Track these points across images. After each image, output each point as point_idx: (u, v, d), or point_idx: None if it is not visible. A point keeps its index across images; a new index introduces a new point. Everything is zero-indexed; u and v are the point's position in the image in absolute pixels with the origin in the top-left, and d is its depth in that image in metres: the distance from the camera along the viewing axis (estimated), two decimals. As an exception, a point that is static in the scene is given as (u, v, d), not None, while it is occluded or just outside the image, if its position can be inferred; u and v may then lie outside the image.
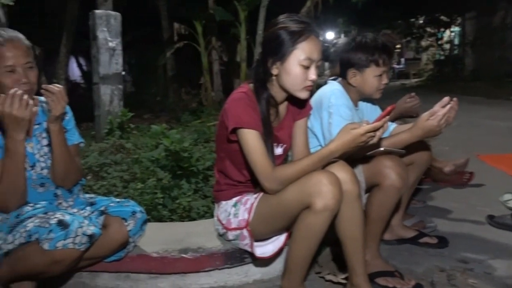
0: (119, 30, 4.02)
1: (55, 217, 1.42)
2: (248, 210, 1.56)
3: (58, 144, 1.55)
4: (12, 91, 1.41)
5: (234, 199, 1.64)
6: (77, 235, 1.39)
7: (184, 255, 1.63)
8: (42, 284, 1.58)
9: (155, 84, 6.95)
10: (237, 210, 1.60)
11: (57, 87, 1.52)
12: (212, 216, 2.09)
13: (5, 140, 1.46)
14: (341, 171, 1.47)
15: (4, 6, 3.56)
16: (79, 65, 8.03)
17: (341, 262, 1.68)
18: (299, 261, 1.50)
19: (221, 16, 5.83)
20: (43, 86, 1.51)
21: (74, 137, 1.72)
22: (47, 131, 1.58)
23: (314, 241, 1.46)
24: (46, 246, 1.36)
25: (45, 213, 1.49)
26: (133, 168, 2.76)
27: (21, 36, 1.56)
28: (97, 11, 3.95)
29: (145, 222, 1.68)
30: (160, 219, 2.16)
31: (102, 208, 1.63)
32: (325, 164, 1.48)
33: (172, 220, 2.18)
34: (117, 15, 4.03)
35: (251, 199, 1.58)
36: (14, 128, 1.43)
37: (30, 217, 1.46)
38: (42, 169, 1.59)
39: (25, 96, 1.42)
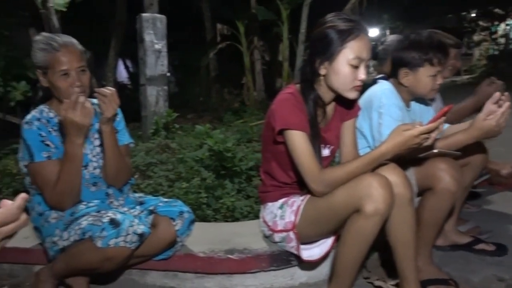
0: (164, 32, 4.10)
1: (107, 216, 1.47)
2: (295, 212, 1.54)
3: (110, 144, 1.60)
4: (74, 97, 1.46)
5: (280, 201, 1.62)
6: (128, 234, 1.43)
7: (230, 256, 1.63)
8: (94, 280, 1.64)
9: (198, 84, 7.05)
10: (283, 212, 1.58)
11: (109, 90, 1.56)
12: (255, 216, 2.10)
13: (65, 143, 1.52)
14: (392, 173, 1.42)
15: (58, 12, 3.72)
16: (126, 67, 8.31)
17: (390, 268, 1.62)
18: (348, 266, 1.46)
19: (263, 16, 5.82)
20: (96, 89, 1.56)
21: (125, 138, 1.76)
22: (99, 132, 1.64)
23: (364, 246, 1.41)
24: (99, 243, 1.41)
25: (98, 211, 1.54)
26: (178, 167, 2.81)
27: (74, 41, 1.61)
28: (144, 15, 4.05)
29: (192, 222, 1.70)
30: (204, 219, 2.18)
31: (151, 208, 1.67)
32: (375, 167, 1.44)
33: (216, 219, 2.20)
34: (163, 18, 4.11)
35: (297, 201, 1.56)
36: (75, 133, 1.48)
37: (84, 215, 1.52)
38: (94, 168, 1.65)
39: (88, 104, 1.47)
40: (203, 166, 2.79)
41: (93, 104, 1.70)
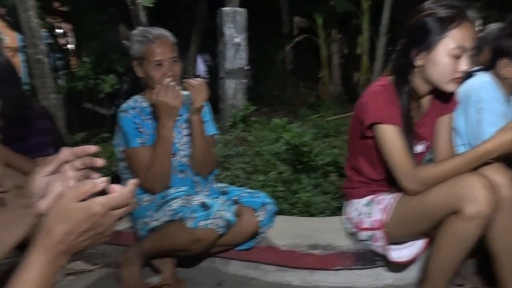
0: (244, 26, 4.15)
1: (197, 199, 1.52)
2: (383, 210, 1.47)
3: (198, 134, 1.65)
4: (165, 81, 1.53)
5: (367, 198, 1.56)
6: (217, 218, 1.46)
7: (313, 251, 1.60)
8: (179, 264, 1.69)
9: (273, 78, 7.06)
10: (370, 210, 1.52)
11: (197, 81, 1.61)
12: (331, 213, 2.06)
13: (157, 127, 1.59)
14: (496, 174, 1.30)
15: (145, 8, 3.92)
16: (204, 61, 8.55)
17: (488, 276, 1.49)
18: (442, 271, 1.36)
19: (343, 7, 5.66)
20: (185, 80, 1.62)
21: (210, 129, 1.81)
22: (188, 122, 1.69)
23: (461, 250, 1.31)
24: (189, 224, 1.46)
25: (187, 196, 1.59)
26: (255, 160, 2.83)
27: (167, 33, 1.69)
28: (224, 9, 4.13)
29: (275, 214, 1.69)
30: (280, 212, 2.17)
31: (234, 198, 1.69)
32: (476, 166, 1.32)
33: (291, 213, 2.18)
34: (243, 11, 4.16)
35: (386, 199, 1.49)
36: (167, 115, 1.55)
37: (175, 199, 1.58)
38: (182, 157, 1.71)
39: (177, 87, 1.53)
40: (279, 159, 2.78)
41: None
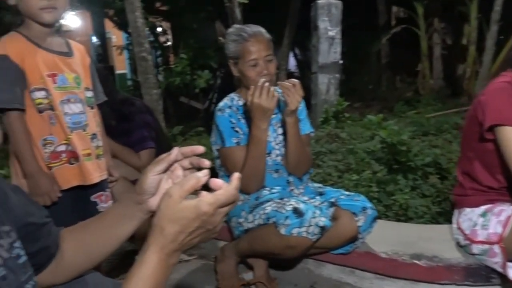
0: (339, 18, 4.01)
1: (290, 204, 1.47)
2: (503, 223, 1.31)
3: (293, 135, 1.60)
4: (260, 82, 1.50)
5: (483, 208, 1.40)
6: (310, 225, 1.41)
7: (416, 261, 1.49)
8: (272, 264, 1.68)
9: (367, 71, 6.78)
10: (486, 221, 1.36)
11: (292, 82, 1.55)
12: (431, 218, 1.92)
13: (251, 128, 1.58)
14: None
15: (240, 5, 3.98)
16: (295, 55, 8.50)
17: None
18: None
19: (447, -6, 5.21)
20: (279, 82, 1.57)
21: (306, 127, 1.76)
22: (283, 121, 1.65)
23: None
24: (282, 231, 1.42)
25: (281, 198, 1.56)
26: (348, 158, 2.73)
27: (263, 30, 1.64)
28: (319, 1, 4.02)
29: (375, 219, 1.60)
30: (374, 215, 2.07)
31: (332, 200, 1.62)
32: None
33: (387, 216, 2.05)
34: (338, 3, 4.01)
35: (507, 211, 1.32)
36: (260, 117, 1.52)
37: (268, 201, 1.56)
38: (277, 156, 1.68)
39: (272, 89, 1.50)
40: (374, 158, 2.66)
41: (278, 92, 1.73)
